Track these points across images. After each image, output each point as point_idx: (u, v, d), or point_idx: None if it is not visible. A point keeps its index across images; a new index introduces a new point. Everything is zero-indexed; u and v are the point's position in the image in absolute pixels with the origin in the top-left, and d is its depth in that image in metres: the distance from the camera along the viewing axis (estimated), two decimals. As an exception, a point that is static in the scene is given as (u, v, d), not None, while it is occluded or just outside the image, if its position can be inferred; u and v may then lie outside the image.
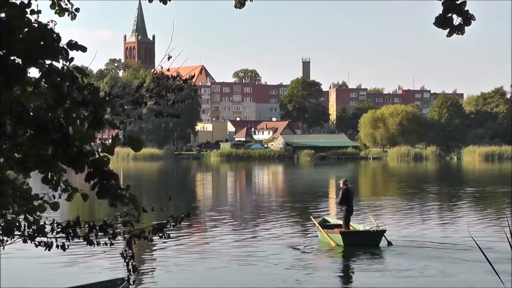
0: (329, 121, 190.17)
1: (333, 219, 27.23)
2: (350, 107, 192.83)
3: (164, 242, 22.79)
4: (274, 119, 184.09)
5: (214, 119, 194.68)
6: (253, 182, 72.82)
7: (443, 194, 50.15)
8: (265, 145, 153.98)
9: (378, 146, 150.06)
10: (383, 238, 23.97)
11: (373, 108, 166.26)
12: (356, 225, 25.64)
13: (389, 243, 23.79)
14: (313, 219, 26.55)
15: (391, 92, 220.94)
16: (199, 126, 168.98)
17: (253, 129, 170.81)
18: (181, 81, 5.92)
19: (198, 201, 46.19)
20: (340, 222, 25.48)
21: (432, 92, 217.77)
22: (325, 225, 25.75)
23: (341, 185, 24.87)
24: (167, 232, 6.21)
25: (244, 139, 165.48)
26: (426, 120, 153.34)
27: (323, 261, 21.92)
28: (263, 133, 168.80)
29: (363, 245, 23.40)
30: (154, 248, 23.03)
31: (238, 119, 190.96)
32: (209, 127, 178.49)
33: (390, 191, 54.45)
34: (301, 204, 40.52)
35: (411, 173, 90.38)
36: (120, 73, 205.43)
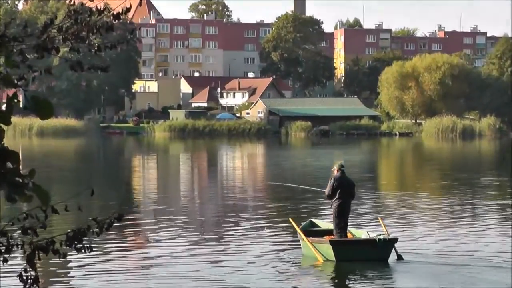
0: (334, 79, 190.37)
1: (323, 223, 27.08)
2: (366, 57, 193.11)
3: (99, 267, 22.85)
4: (251, 74, 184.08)
5: (160, 74, 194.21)
6: (218, 169, 72.86)
7: (502, 189, 50.39)
8: (238, 114, 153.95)
9: (407, 117, 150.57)
10: (393, 250, 24.11)
11: (401, 59, 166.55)
12: (357, 230, 25.74)
13: (399, 257, 23.91)
14: (293, 223, 25.96)
15: (428, 35, 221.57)
16: (137, 85, 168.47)
17: (219, 89, 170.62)
18: (111, 17, 5.96)
19: (135, 197, 46.20)
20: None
21: (488, 35, 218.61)
22: (311, 231, 25.67)
23: (335, 172, 24.53)
24: (88, 243, 6.25)
25: (205, 105, 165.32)
26: (480, 78, 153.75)
27: (304, 284, 22.10)
28: (234, 96, 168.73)
29: (364, 259, 23.46)
30: (68, 266, 23.07)
31: (197, 74, 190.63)
32: (153, 86, 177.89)
33: (420, 184, 54.63)
34: (284, 203, 40.44)
35: (455, 157, 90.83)
36: (20, 5, 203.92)
